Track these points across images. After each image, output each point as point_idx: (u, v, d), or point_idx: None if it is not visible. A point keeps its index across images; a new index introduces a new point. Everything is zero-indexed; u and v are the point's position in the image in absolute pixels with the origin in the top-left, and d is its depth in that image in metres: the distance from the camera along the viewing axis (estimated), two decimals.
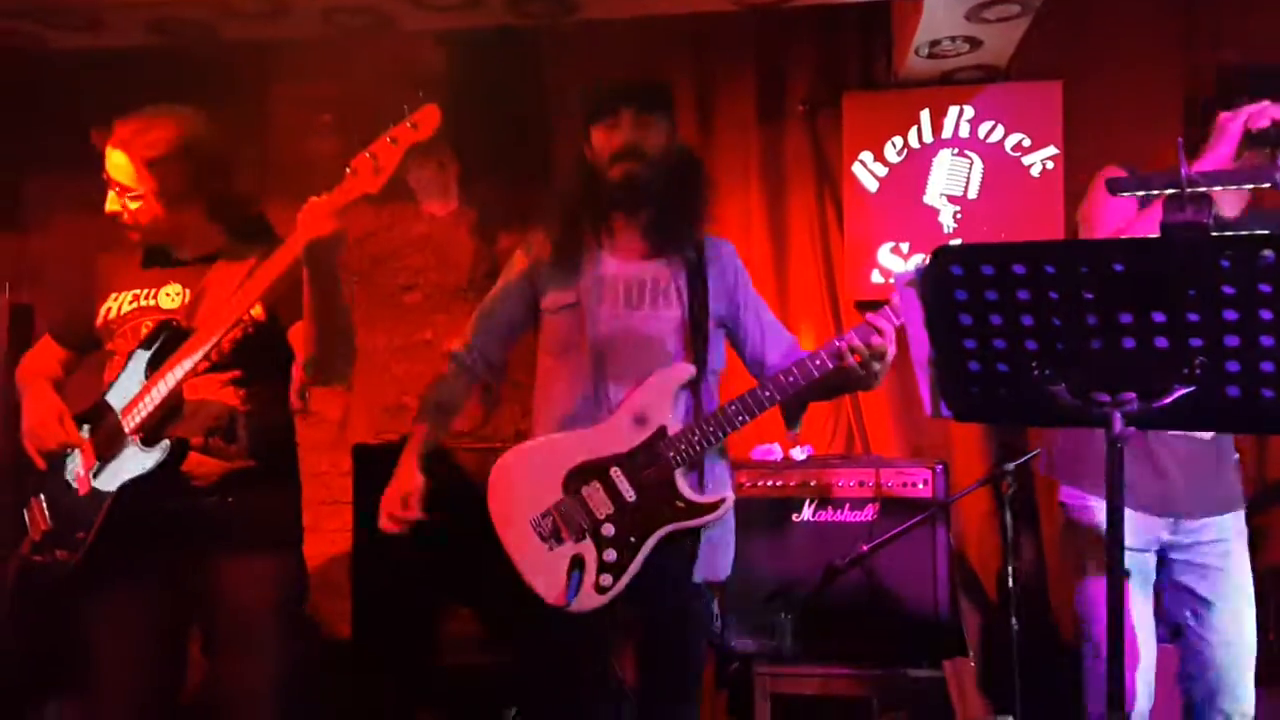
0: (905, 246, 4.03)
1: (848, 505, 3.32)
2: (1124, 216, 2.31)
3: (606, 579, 2.22)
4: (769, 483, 3.36)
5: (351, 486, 3.62)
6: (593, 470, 2.25)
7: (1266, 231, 1.63)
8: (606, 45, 4.09)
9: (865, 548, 2.88)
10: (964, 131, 4.03)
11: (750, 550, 3.30)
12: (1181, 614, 2.42)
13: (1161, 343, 1.73)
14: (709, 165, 4.06)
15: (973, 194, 4.02)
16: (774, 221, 4.12)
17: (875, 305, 3.77)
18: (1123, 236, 2.22)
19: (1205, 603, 2.39)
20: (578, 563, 2.23)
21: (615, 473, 2.25)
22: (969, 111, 4.02)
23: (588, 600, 2.22)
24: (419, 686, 3.49)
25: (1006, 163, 4.00)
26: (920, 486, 3.31)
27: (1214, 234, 1.67)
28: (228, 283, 2.37)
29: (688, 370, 2.29)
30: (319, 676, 3.51)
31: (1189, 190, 1.78)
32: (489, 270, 4.19)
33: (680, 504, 2.25)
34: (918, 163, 4.05)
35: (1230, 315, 1.68)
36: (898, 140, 4.05)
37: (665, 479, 2.24)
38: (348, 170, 2.17)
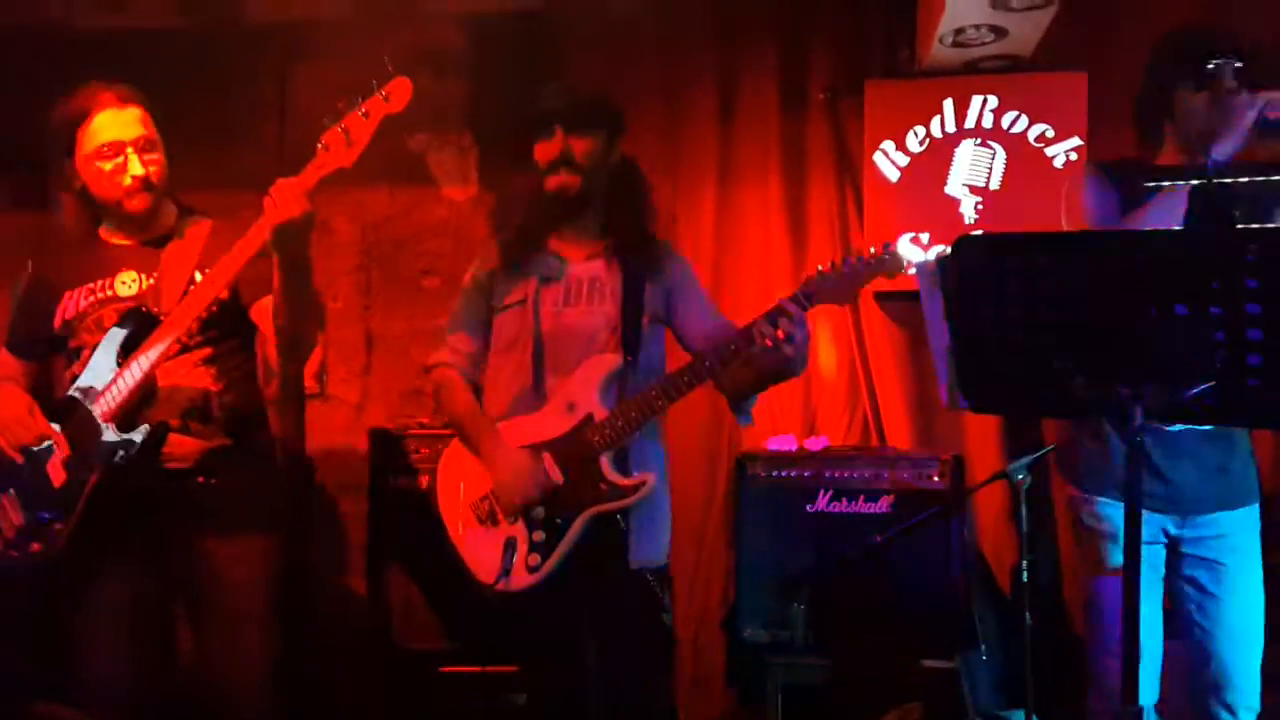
0: (925, 237, 4.00)
1: (862, 497, 3.31)
2: (1105, 217, 2.29)
3: (535, 558, 2.34)
4: (783, 473, 3.35)
5: (369, 469, 3.63)
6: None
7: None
8: (629, 30, 4.08)
9: (879, 539, 2.87)
10: (987, 122, 3.99)
11: (763, 541, 3.32)
12: (1188, 608, 2.40)
13: (1184, 335, 1.72)
14: (729, 153, 4.11)
15: (995, 185, 3.99)
16: (793, 211, 4.09)
17: (895, 297, 3.87)
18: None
19: (1212, 597, 2.37)
20: (511, 543, 2.35)
21: (545, 457, 2.37)
22: (993, 101, 3.97)
23: (518, 579, 2.34)
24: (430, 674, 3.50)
25: (1029, 153, 3.96)
26: (935, 480, 3.30)
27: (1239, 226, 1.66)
28: (182, 264, 2.38)
29: (614, 360, 2.41)
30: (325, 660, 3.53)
31: (1215, 182, 1.77)
32: None
33: (604, 486, 2.36)
34: (940, 153, 4.01)
35: (1253, 309, 1.67)
36: (920, 129, 4.02)
37: (591, 462, 2.36)
38: (320, 146, 2.17)
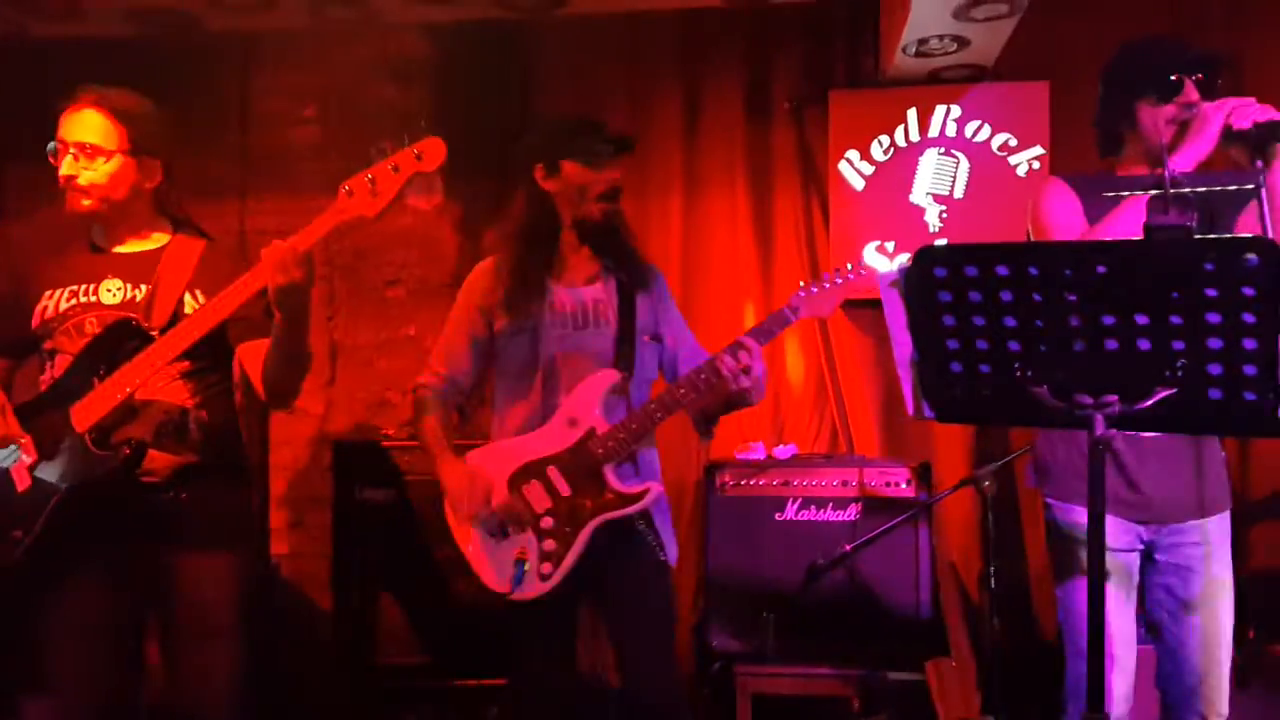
0: (890, 245, 4.02)
1: (831, 505, 3.31)
2: (1069, 227, 2.30)
3: (547, 567, 2.43)
4: (752, 482, 3.35)
5: (333, 481, 3.60)
6: (533, 470, 2.48)
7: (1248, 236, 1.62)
8: (594, 40, 4.08)
9: (848, 548, 2.87)
10: (951, 130, 4.02)
11: (733, 549, 3.31)
12: (1161, 615, 2.41)
13: (1144, 345, 1.72)
14: (695, 163, 4.11)
15: (959, 194, 4.02)
16: (759, 220, 4.11)
17: (862, 305, 3.88)
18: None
19: (1184, 604, 2.37)
20: (522, 554, 2.43)
21: (552, 471, 2.47)
22: (956, 111, 4.02)
23: (530, 588, 2.42)
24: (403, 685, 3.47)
25: (993, 162, 4.00)
26: (903, 486, 3.31)
27: (1196, 237, 1.66)
28: (174, 281, 2.36)
29: (612, 376, 2.50)
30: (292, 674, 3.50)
31: (1172, 191, 1.77)
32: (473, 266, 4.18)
33: (609, 495, 2.45)
34: (904, 162, 4.04)
35: (1213, 318, 1.68)
36: (884, 139, 4.05)
37: (595, 473, 2.46)
38: (343, 190, 2.16)
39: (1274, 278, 1.63)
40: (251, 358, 2.35)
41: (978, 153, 4.01)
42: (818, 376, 3.99)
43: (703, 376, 2.44)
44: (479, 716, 3.14)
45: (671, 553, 2.57)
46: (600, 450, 2.45)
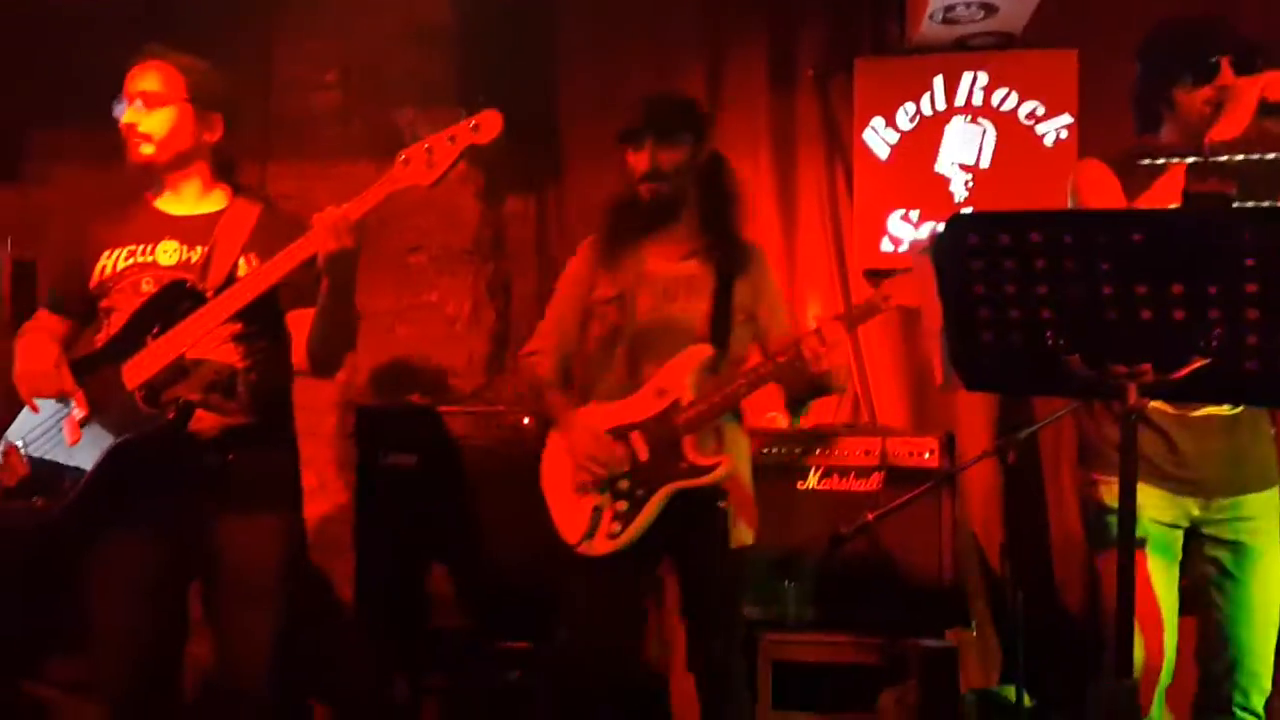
0: (915, 214, 3.99)
1: (853, 474, 3.31)
2: (1115, 203, 2.28)
3: (615, 526, 2.49)
4: (774, 449, 3.34)
5: (355, 447, 3.61)
6: (618, 433, 2.54)
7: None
8: (616, 9, 4.05)
9: (871, 516, 2.86)
10: (978, 99, 3.98)
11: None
12: (1209, 589, 2.39)
13: (1179, 315, 1.70)
14: (718, 130, 4.06)
15: (985, 162, 3.99)
16: (783, 190, 4.08)
17: (884, 274, 3.84)
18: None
19: (1232, 578, 2.36)
20: (598, 510, 2.51)
21: (635, 435, 2.53)
22: (983, 78, 3.97)
23: (599, 545, 2.50)
24: (420, 649, 3.50)
25: (1020, 132, 3.96)
26: (926, 457, 3.29)
27: (1235, 205, 1.64)
28: (230, 245, 2.37)
29: (705, 350, 2.54)
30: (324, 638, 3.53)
31: (1211, 160, 1.76)
32: (495, 234, 4.16)
33: (684, 465, 2.50)
34: (930, 130, 4.01)
35: (1250, 288, 1.66)
36: (910, 106, 4.01)
37: (674, 443, 2.51)
38: (400, 159, 2.17)
39: None
40: (298, 326, 2.37)
41: (1005, 121, 3.97)
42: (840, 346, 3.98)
43: (785, 358, 2.46)
44: (508, 679, 3.16)
45: (744, 532, 2.59)
46: (681, 420, 2.49)
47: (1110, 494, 2.38)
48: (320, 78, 4.16)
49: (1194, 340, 1.71)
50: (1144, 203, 2.17)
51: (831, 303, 3.99)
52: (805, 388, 2.58)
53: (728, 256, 2.61)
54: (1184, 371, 1.72)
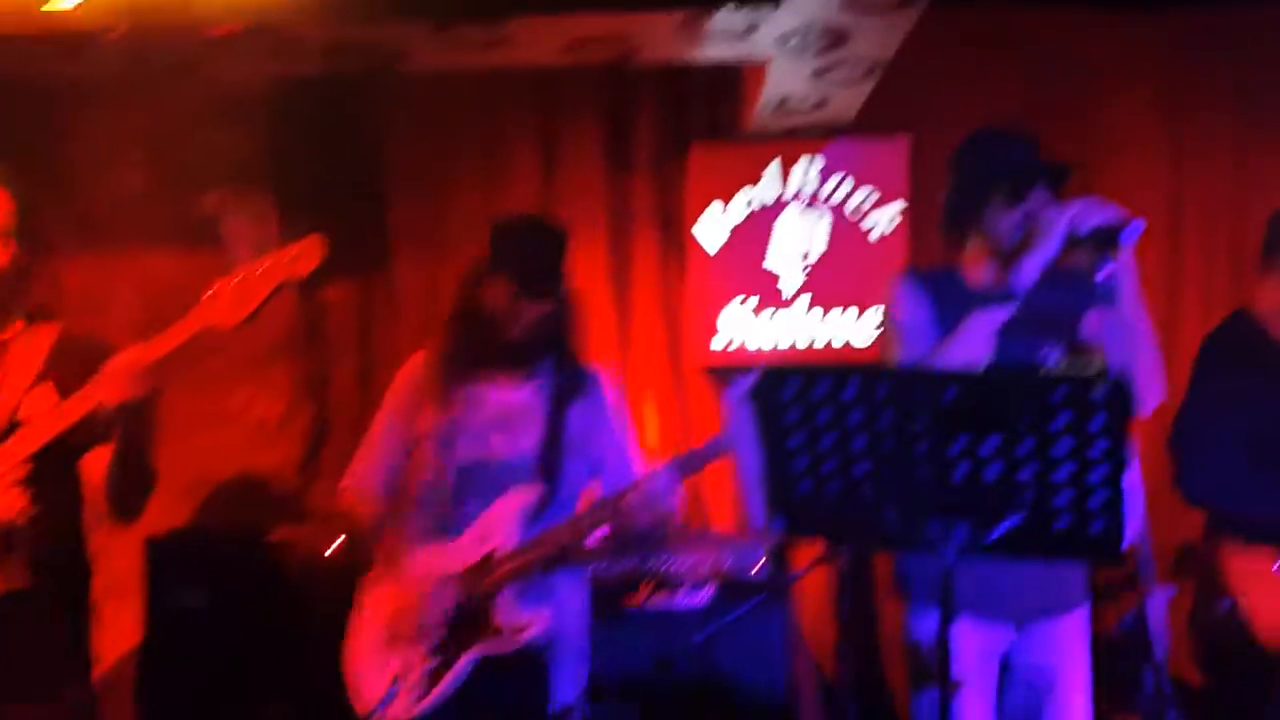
0: (753, 301, 3.96)
1: (684, 589, 3.21)
2: (918, 327, 2.27)
3: (419, 690, 2.29)
4: (601, 566, 3.21)
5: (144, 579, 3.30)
6: (438, 583, 2.34)
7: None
8: (446, 93, 3.91)
9: (700, 640, 2.77)
10: (812, 186, 3.98)
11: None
12: (1017, 711, 2.38)
13: (992, 474, 1.68)
14: (551, 215, 3.96)
15: (818, 253, 3.98)
16: (618, 281, 3.99)
17: (720, 372, 3.80)
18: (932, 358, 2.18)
19: (1043, 699, 2.36)
20: (402, 670, 2.30)
21: (451, 587, 2.32)
22: (818, 164, 3.97)
23: (397, 711, 2.28)
24: None
25: (848, 225, 3.97)
26: (759, 568, 3.23)
27: (1045, 370, 1.63)
28: (21, 373, 2.16)
29: (530, 493, 2.37)
30: None
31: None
32: (309, 330, 3.91)
33: (490, 626, 2.31)
34: (763, 221, 3.99)
35: (1062, 449, 1.64)
36: (746, 193, 3.98)
37: (487, 599, 2.31)
38: (206, 295, 2.05)
39: (1122, 411, 1.62)
40: (93, 468, 2.19)
41: (836, 213, 3.98)
42: (673, 444, 3.89)
43: (619, 502, 2.31)
44: None
45: (565, 695, 2.41)
46: (495, 573, 2.31)
47: (918, 626, 2.35)
48: (123, 158, 3.86)
49: (1006, 499, 1.69)
50: (954, 345, 2.16)
51: (667, 402, 3.91)
52: (640, 534, 2.41)
53: (564, 383, 2.46)
54: (997, 532, 1.70)
